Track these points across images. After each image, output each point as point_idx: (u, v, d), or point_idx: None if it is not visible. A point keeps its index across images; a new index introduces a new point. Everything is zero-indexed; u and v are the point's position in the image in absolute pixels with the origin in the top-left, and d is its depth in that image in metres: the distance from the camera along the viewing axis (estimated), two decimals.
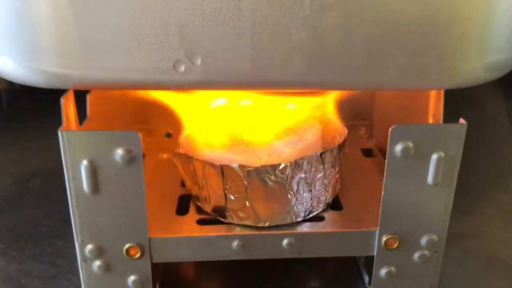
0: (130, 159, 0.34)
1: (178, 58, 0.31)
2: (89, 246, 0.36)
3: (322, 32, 0.30)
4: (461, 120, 0.34)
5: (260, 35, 0.30)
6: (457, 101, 0.39)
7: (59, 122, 0.33)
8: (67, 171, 0.34)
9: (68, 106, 0.34)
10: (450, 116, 0.35)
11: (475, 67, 0.32)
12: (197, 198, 0.42)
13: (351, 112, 0.54)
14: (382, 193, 0.36)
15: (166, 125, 0.52)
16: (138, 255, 0.37)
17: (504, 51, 0.32)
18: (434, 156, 0.35)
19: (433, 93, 0.37)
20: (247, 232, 0.38)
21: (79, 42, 0.30)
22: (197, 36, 0.30)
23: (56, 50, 0.30)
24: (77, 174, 0.34)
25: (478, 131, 0.71)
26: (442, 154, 0.35)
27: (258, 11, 0.30)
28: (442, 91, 0.35)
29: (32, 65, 0.31)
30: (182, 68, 0.31)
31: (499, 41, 0.32)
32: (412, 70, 0.31)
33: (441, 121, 0.36)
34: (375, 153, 0.52)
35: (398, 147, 0.34)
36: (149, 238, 0.37)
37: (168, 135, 0.53)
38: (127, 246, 0.37)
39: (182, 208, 0.42)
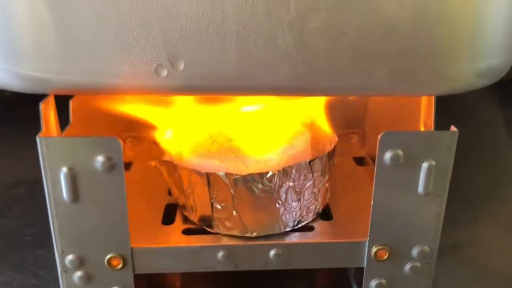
0: (110, 167, 0.33)
1: (160, 62, 0.30)
2: (70, 257, 0.35)
3: (308, 35, 0.29)
4: (452, 128, 0.33)
5: (245, 39, 0.29)
6: (453, 111, 0.38)
7: None
8: (46, 179, 0.33)
9: (47, 111, 0.33)
10: (446, 126, 0.34)
11: (466, 72, 0.31)
12: (184, 207, 0.41)
13: (344, 120, 0.53)
14: (372, 202, 0.35)
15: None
16: (120, 266, 0.36)
17: (496, 55, 0.32)
18: (425, 165, 0.34)
19: (424, 100, 0.36)
20: (232, 242, 0.37)
21: (57, 45, 0.29)
22: (180, 40, 0.29)
23: (33, 53, 0.29)
24: (57, 182, 0.33)
25: (475, 140, 0.71)
26: (433, 163, 0.34)
27: (243, 14, 0.29)
28: (433, 98, 0.34)
29: (8, 68, 0.30)
30: (165, 73, 0.30)
31: (491, 46, 0.31)
32: (401, 75, 0.30)
33: (432, 128, 0.35)
34: (367, 162, 0.51)
35: (388, 155, 0.34)
36: (132, 248, 0.36)
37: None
38: (108, 256, 0.36)
39: (168, 217, 0.41)
